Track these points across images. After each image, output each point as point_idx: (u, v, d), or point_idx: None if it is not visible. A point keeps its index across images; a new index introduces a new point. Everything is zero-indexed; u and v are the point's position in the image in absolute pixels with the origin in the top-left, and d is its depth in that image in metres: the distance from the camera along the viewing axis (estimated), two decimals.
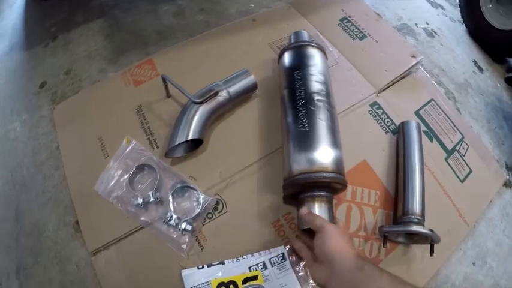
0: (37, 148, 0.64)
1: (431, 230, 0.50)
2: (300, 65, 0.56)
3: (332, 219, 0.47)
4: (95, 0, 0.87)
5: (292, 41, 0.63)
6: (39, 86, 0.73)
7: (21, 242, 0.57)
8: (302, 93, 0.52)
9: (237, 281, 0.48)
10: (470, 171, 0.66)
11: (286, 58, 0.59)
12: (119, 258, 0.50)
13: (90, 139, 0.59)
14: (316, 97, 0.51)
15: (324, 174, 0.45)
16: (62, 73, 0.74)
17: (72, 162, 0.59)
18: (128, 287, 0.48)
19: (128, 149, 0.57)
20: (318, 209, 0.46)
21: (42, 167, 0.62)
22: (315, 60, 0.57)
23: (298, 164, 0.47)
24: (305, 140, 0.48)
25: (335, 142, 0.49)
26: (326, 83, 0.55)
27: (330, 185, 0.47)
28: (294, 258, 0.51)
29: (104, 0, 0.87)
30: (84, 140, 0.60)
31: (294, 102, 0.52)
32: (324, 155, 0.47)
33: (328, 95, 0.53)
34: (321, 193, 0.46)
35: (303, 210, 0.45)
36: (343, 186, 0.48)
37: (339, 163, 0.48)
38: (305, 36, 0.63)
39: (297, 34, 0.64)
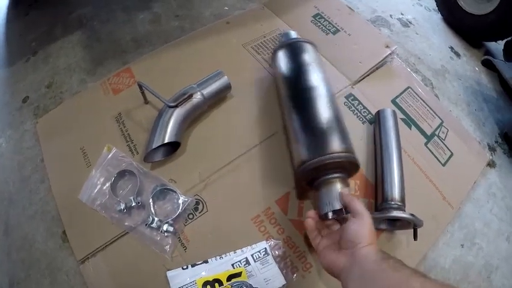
0: (22, 162, 0.65)
1: (412, 214, 0.51)
2: (299, 61, 0.58)
3: None
4: (73, 13, 0.88)
5: (284, 40, 0.65)
6: (22, 101, 0.74)
7: (12, 256, 0.57)
8: (304, 87, 0.54)
9: (221, 279, 0.49)
10: (452, 155, 0.67)
11: (285, 56, 0.60)
12: (106, 265, 0.50)
13: (72, 150, 0.60)
14: (318, 89, 0.53)
15: (338, 154, 0.45)
16: (44, 87, 0.75)
17: (57, 174, 0.60)
18: None
19: (109, 157, 0.58)
20: (341, 190, 0.45)
21: (28, 181, 0.62)
22: (312, 55, 0.59)
23: (311, 150, 0.47)
24: (314, 127, 0.49)
25: (341, 126, 0.50)
26: (324, 76, 0.57)
27: (344, 166, 0.47)
28: (276, 252, 0.52)
29: (82, 13, 0.88)
30: (67, 151, 0.61)
31: (296, 96, 0.54)
32: (334, 138, 0.48)
33: (327, 85, 0.55)
34: (339, 175, 0.47)
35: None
36: (356, 167, 0.49)
37: (349, 145, 0.49)
38: (295, 35, 0.66)
39: (287, 34, 0.66)
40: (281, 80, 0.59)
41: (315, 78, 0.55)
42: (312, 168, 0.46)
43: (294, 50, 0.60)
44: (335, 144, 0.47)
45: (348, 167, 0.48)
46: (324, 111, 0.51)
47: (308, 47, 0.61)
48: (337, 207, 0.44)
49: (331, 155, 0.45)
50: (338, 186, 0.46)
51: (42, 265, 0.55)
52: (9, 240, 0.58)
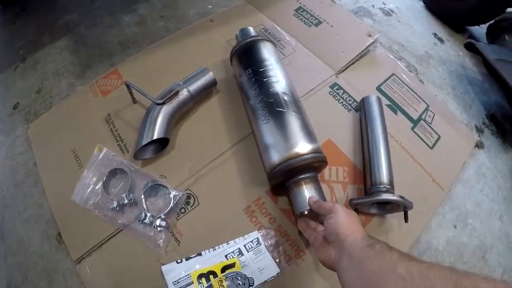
0: (15, 168, 0.65)
1: (401, 196, 0.51)
2: (255, 62, 0.57)
3: (323, 196, 0.49)
4: (60, 20, 0.89)
5: (240, 39, 0.65)
6: (13, 107, 0.75)
7: (9, 260, 0.58)
8: (263, 91, 0.54)
9: (215, 271, 0.50)
10: (439, 138, 0.68)
11: (240, 58, 0.60)
12: (102, 263, 0.51)
13: (64, 152, 0.61)
14: (278, 89, 0.54)
15: (303, 157, 0.47)
16: (34, 92, 0.76)
17: (50, 177, 0.61)
18: None
19: (100, 157, 0.59)
20: (307, 190, 0.48)
21: (22, 185, 0.63)
22: (267, 52, 0.59)
23: (277, 154, 0.49)
24: (277, 131, 0.50)
25: (305, 125, 0.52)
26: (282, 74, 0.57)
27: (311, 166, 0.49)
28: (269, 241, 0.53)
29: (69, 19, 0.89)
30: (58, 154, 0.62)
31: (258, 100, 0.54)
32: (298, 140, 0.49)
33: (287, 84, 0.56)
34: (306, 175, 0.49)
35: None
36: (324, 163, 0.51)
37: (314, 143, 0.51)
38: (251, 31, 0.65)
39: (242, 31, 0.66)
40: (242, 86, 0.59)
41: (275, 83, 0.55)
42: (281, 174, 0.48)
43: (250, 52, 0.59)
44: (300, 147, 0.48)
45: (315, 165, 0.50)
46: (285, 116, 0.51)
47: (263, 46, 0.59)
48: (303, 210, 0.47)
49: (295, 159, 0.47)
50: (305, 188, 0.49)
51: (39, 267, 0.55)
52: (6, 245, 0.59)
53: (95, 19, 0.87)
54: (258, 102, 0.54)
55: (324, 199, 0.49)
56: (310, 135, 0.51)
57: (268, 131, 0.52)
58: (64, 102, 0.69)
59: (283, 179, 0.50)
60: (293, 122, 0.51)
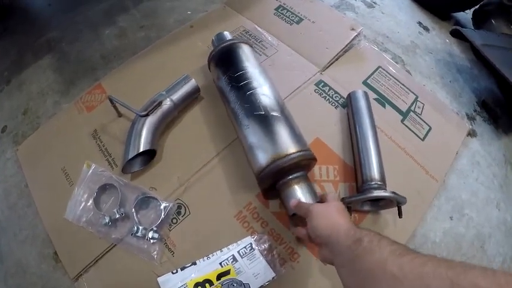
0: (8, 190, 0.66)
1: (393, 192, 0.51)
2: (231, 67, 0.57)
3: (315, 194, 0.49)
4: (41, 38, 0.89)
5: (216, 44, 0.64)
6: (1, 130, 0.75)
7: (9, 283, 0.58)
8: (241, 96, 0.53)
9: (211, 279, 0.50)
10: (430, 128, 0.67)
11: (216, 64, 0.60)
12: (99, 279, 0.51)
13: (54, 171, 0.61)
14: (256, 92, 0.53)
15: (290, 156, 0.47)
16: (20, 114, 0.76)
17: (42, 197, 0.61)
18: None
19: (89, 173, 0.59)
20: (299, 190, 0.48)
21: (16, 207, 0.63)
22: (244, 56, 0.58)
23: (264, 157, 0.49)
24: (260, 134, 0.50)
25: (289, 125, 0.51)
26: (261, 76, 0.56)
27: (299, 165, 0.49)
28: (262, 246, 0.53)
29: (51, 36, 0.89)
30: (49, 173, 0.62)
31: (237, 105, 0.53)
32: (283, 140, 0.49)
33: (266, 86, 0.55)
34: (295, 175, 0.48)
35: (292, 202, 0.46)
36: (313, 160, 0.51)
37: (299, 141, 0.50)
38: (226, 36, 0.64)
39: (218, 36, 0.65)
40: (221, 92, 0.58)
41: (252, 85, 0.54)
42: (269, 176, 0.48)
43: (225, 57, 0.58)
44: (286, 147, 0.48)
45: (304, 164, 0.50)
46: (265, 119, 0.51)
47: (239, 49, 0.59)
48: (291, 213, 0.47)
49: (282, 159, 0.47)
50: (296, 188, 0.48)
51: None
52: (4, 267, 0.59)
53: (76, 34, 0.87)
54: (238, 107, 0.53)
55: (316, 197, 0.49)
56: (295, 134, 0.50)
57: (251, 136, 0.51)
58: (50, 122, 0.69)
59: (273, 181, 0.50)
60: (275, 123, 0.50)
